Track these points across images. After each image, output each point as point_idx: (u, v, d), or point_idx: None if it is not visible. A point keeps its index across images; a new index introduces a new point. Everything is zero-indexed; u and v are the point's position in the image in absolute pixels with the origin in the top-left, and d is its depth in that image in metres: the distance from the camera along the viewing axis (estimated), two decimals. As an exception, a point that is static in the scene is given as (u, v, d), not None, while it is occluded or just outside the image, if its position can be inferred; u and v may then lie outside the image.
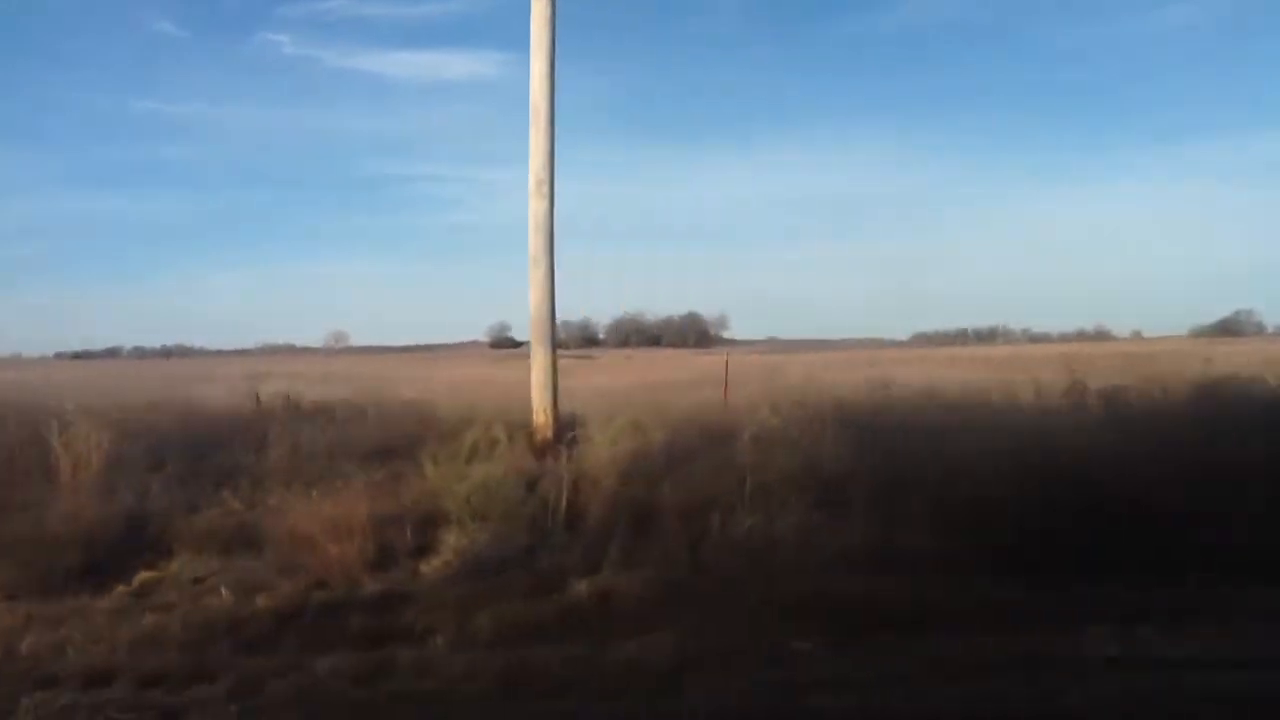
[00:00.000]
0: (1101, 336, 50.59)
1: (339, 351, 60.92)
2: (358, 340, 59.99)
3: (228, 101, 72.09)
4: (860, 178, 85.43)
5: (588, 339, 62.71)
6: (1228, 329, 47.00)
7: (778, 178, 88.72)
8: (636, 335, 62.14)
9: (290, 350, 59.43)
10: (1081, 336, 51.93)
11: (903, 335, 59.68)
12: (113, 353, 54.73)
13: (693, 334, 61.83)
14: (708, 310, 66.81)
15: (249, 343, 52.15)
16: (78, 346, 47.98)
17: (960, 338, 60.21)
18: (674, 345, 59.24)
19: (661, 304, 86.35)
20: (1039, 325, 58.33)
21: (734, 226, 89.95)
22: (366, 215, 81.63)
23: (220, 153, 74.71)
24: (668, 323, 64.19)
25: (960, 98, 76.92)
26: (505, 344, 65.86)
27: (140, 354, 55.03)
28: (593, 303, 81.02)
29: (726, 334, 65.39)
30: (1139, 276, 74.19)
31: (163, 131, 71.96)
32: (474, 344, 67.89)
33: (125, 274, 79.16)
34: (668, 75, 76.07)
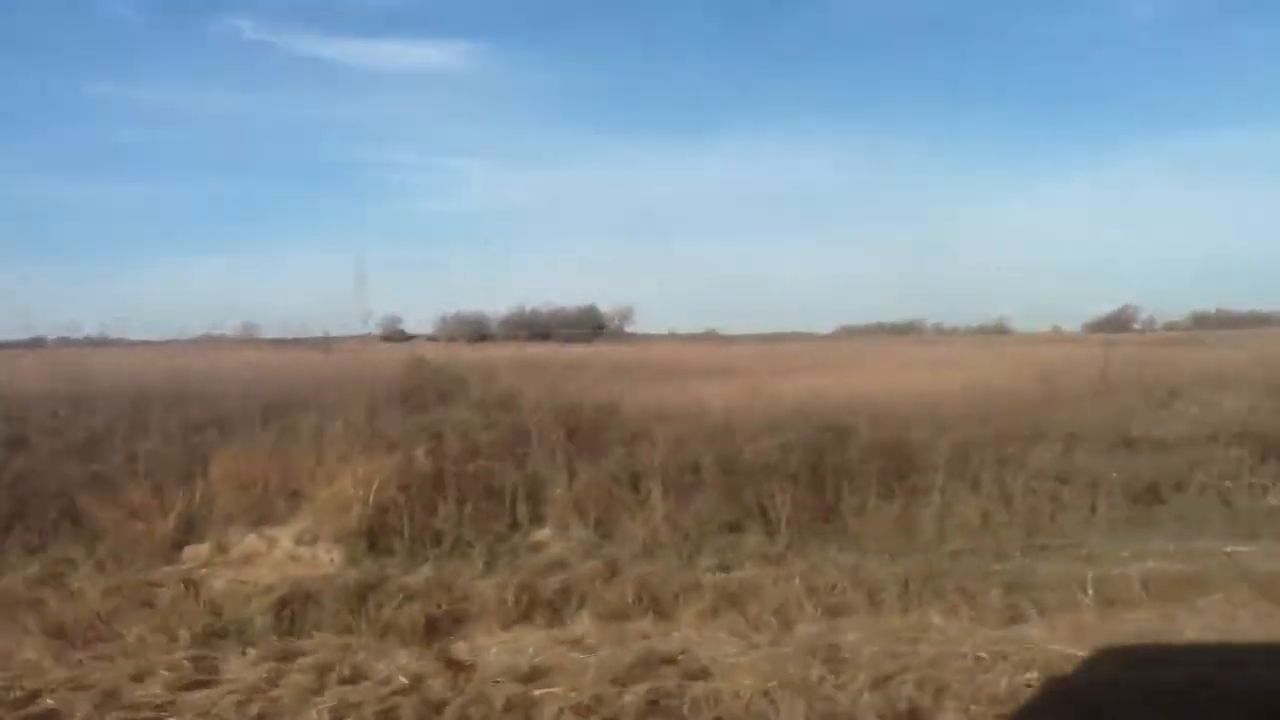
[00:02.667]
0: (1001, 331, 49.56)
1: (253, 343, 56.30)
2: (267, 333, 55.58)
3: (183, 87, 67.45)
4: (806, 172, 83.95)
5: (479, 334, 59.77)
6: (1115, 324, 46.63)
7: (718, 171, 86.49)
8: (525, 330, 59.21)
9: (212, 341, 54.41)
10: (983, 331, 50.88)
11: (828, 328, 58.65)
12: (37, 343, 49.64)
13: (585, 327, 59.18)
14: (616, 302, 64.30)
15: (170, 333, 47.91)
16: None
17: (879, 331, 59.08)
18: (566, 340, 56.58)
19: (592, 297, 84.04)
20: (950, 319, 57.22)
21: (673, 219, 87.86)
22: (311, 201, 77.20)
23: (171, 138, 69.80)
24: (558, 314, 61.38)
25: (909, 92, 75.14)
26: (396, 337, 62.76)
27: (66, 344, 50.07)
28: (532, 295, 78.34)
29: (630, 327, 62.91)
30: (1063, 270, 74.12)
31: (114, 116, 66.89)
32: (368, 336, 64.07)
33: (52, 261, 73.45)
34: (622, 65, 73.75)
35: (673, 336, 56.28)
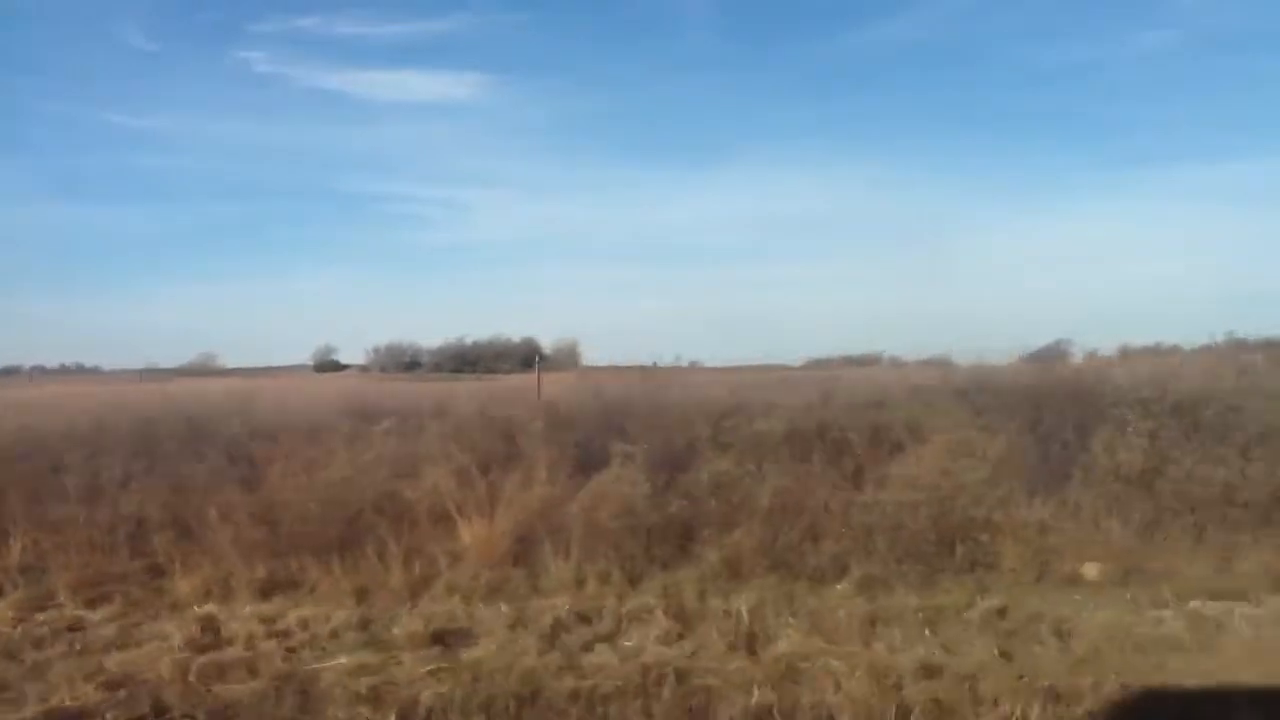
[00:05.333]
0: (942, 363, 39.16)
1: (213, 373, 55.53)
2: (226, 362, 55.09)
3: (196, 116, 70.14)
4: (805, 202, 76.80)
5: (406, 364, 55.49)
6: (1050, 355, 36.01)
7: (721, 201, 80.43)
8: (451, 361, 54.24)
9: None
10: (930, 363, 40.47)
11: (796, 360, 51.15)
12: (11, 372, 51.53)
13: (511, 359, 53.29)
14: (576, 334, 58.20)
15: (138, 362, 48.21)
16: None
17: (842, 363, 50.72)
18: (490, 371, 50.99)
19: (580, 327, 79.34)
20: (902, 352, 47.41)
21: (675, 248, 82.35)
22: (306, 230, 77.53)
23: (173, 168, 72.44)
24: (496, 346, 55.90)
25: (910, 122, 66.79)
26: (329, 367, 59.87)
27: (42, 373, 51.34)
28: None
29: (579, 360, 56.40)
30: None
31: (127, 144, 70.41)
32: (301, 366, 61.59)
33: (30, 288, 77.89)
34: (632, 94, 70.47)
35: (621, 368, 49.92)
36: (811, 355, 52.70)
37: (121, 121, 68.44)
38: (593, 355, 55.94)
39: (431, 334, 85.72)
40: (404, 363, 55.52)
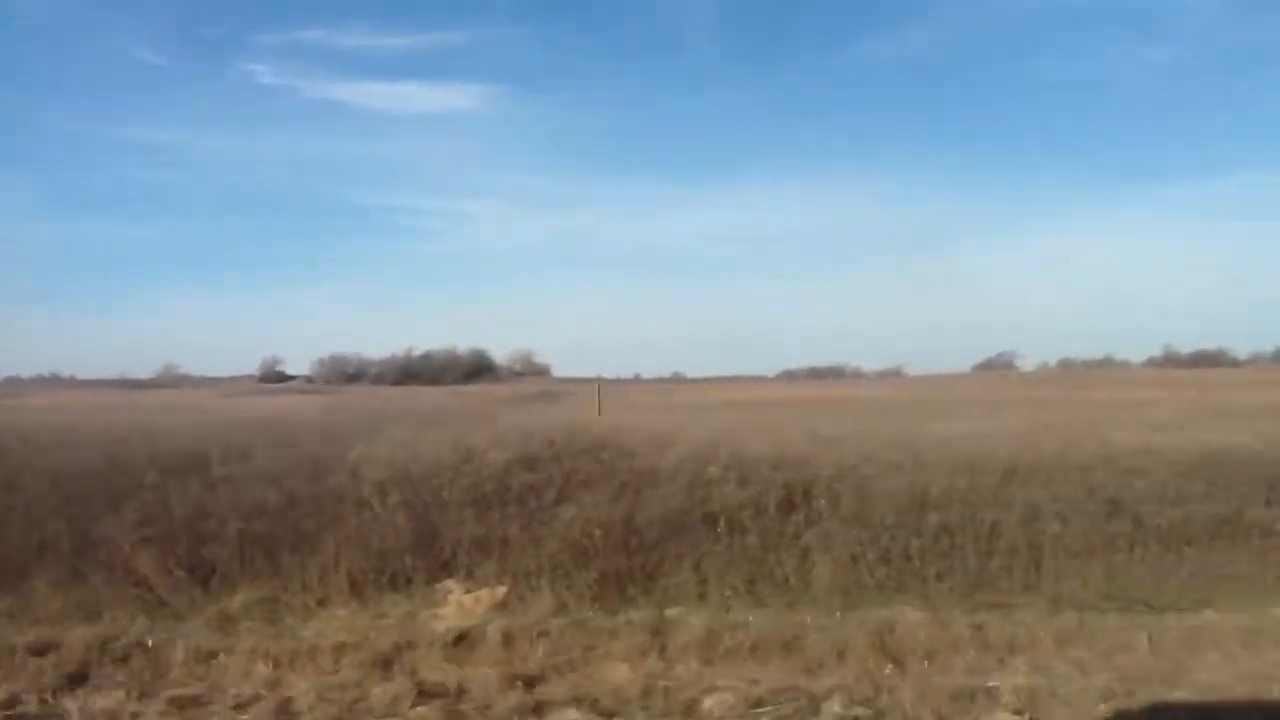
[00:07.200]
0: (897, 375, 36.94)
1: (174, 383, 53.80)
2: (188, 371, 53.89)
3: (199, 128, 69.04)
4: (802, 215, 77.42)
5: (349, 376, 53.14)
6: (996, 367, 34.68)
7: (722, 215, 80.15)
8: (395, 373, 51.86)
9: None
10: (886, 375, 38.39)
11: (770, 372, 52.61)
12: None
13: (456, 371, 50.88)
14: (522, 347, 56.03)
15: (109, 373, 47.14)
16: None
17: (815, 374, 50.12)
18: (434, 383, 48.65)
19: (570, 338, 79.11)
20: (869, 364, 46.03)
21: (674, 261, 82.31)
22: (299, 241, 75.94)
23: (175, 182, 71.30)
24: (446, 357, 53.47)
25: (911, 138, 66.17)
26: (274, 378, 57.66)
27: (15, 384, 50.59)
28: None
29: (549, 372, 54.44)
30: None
31: (130, 157, 69.22)
32: (247, 377, 59.86)
33: (22, 298, 76.96)
34: (633, 108, 69.99)
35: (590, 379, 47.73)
36: (785, 368, 51.81)
37: (124, 134, 67.06)
38: (567, 367, 54.09)
39: (428, 344, 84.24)
40: (347, 374, 53.16)
